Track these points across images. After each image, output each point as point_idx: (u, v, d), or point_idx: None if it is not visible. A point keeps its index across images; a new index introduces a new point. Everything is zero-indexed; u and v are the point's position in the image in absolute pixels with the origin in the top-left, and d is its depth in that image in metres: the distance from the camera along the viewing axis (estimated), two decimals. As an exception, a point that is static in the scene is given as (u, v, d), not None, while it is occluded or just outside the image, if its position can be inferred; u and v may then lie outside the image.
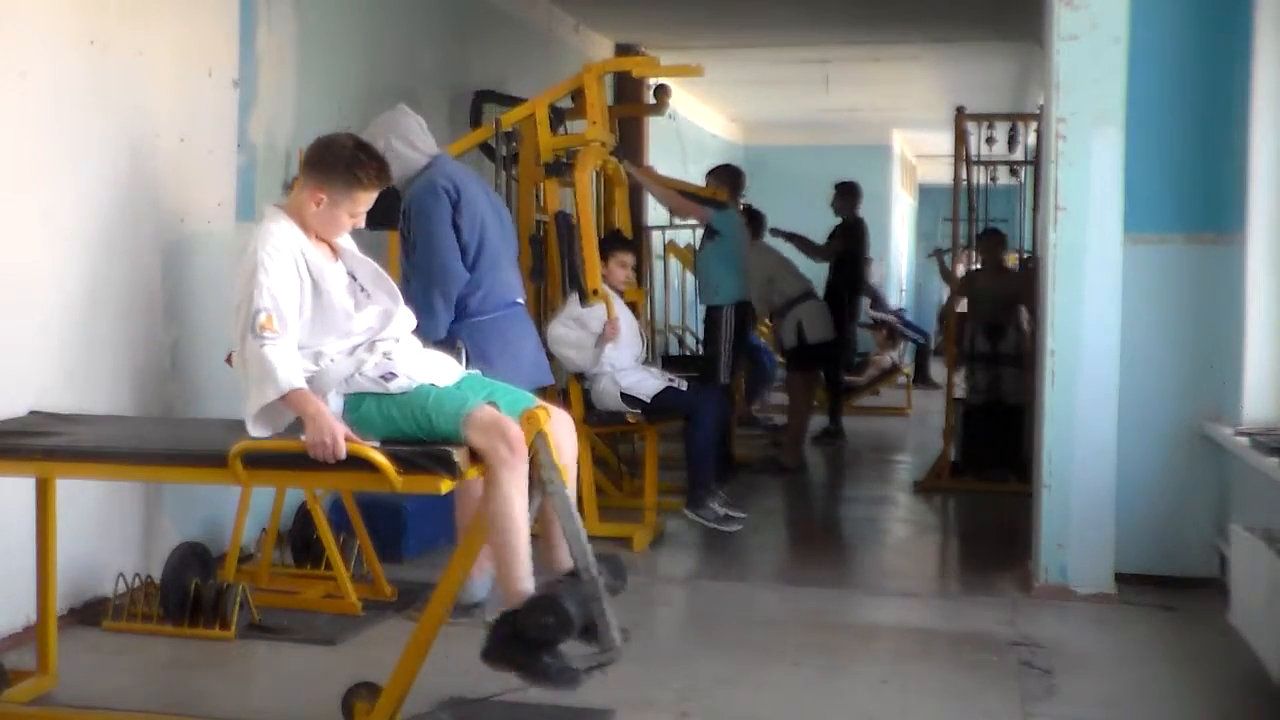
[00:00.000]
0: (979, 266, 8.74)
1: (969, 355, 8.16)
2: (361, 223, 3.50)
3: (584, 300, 6.01)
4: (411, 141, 4.76)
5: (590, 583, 3.19)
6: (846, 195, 9.93)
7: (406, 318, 3.54)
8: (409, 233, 4.73)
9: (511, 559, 3.19)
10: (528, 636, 3.09)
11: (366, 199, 3.44)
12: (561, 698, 3.71)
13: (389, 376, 3.28)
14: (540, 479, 3.24)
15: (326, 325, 3.36)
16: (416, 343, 3.57)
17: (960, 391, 8.25)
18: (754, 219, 8.84)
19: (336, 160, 3.40)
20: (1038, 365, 5.37)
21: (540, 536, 3.36)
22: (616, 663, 3.22)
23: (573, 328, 6.08)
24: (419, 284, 4.66)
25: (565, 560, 3.33)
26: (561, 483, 3.26)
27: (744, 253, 7.73)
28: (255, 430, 3.26)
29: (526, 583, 3.19)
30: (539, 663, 3.11)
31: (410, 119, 4.82)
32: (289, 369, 3.18)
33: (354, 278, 3.48)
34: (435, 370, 3.39)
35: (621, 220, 6.99)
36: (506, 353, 4.71)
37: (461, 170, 4.92)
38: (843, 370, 10.05)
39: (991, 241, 8.63)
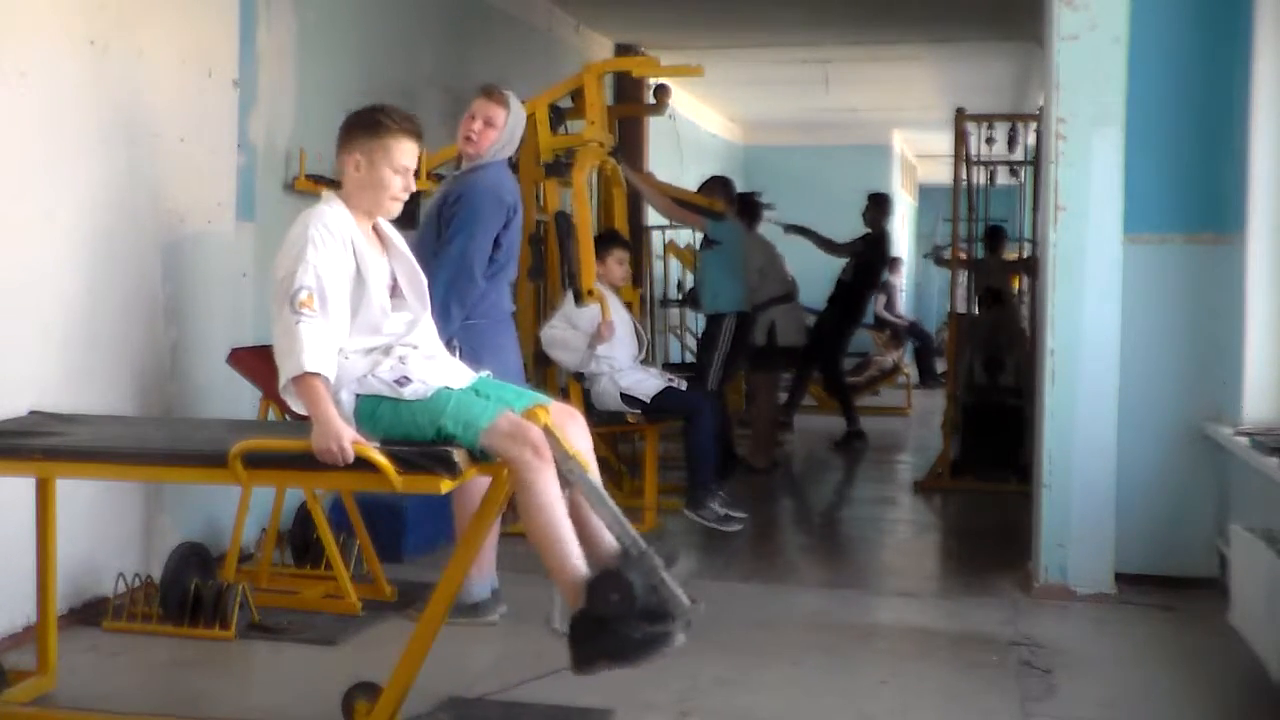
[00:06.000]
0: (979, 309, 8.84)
1: (966, 386, 8.16)
2: (411, 185, 3.36)
3: (578, 300, 6.00)
4: None
5: (642, 555, 3.07)
6: (878, 207, 9.78)
7: (429, 327, 3.47)
8: (445, 223, 4.64)
9: (562, 553, 3.08)
10: (598, 616, 2.98)
11: (402, 149, 3.32)
12: (561, 698, 3.74)
13: (403, 381, 3.22)
14: (560, 473, 3.16)
15: (359, 319, 3.29)
16: (437, 346, 3.48)
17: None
18: (749, 208, 8.65)
19: (359, 119, 3.37)
20: (1037, 365, 5.37)
21: (579, 537, 3.21)
22: (697, 618, 3.06)
23: (564, 328, 6.07)
24: (440, 281, 4.59)
25: (609, 548, 3.18)
26: (582, 468, 3.19)
27: (743, 261, 7.73)
28: (294, 405, 3.20)
29: (581, 570, 3.08)
30: (623, 638, 2.97)
31: None
32: (315, 351, 3.10)
33: (394, 278, 3.40)
34: (449, 374, 3.33)
35: (619, 221, 7.00)
36: (498, 358, 4.69)
37: (517, 187, 4.87)
38: (839, 373, 10.03)
39: (991, 298, 8.76)
